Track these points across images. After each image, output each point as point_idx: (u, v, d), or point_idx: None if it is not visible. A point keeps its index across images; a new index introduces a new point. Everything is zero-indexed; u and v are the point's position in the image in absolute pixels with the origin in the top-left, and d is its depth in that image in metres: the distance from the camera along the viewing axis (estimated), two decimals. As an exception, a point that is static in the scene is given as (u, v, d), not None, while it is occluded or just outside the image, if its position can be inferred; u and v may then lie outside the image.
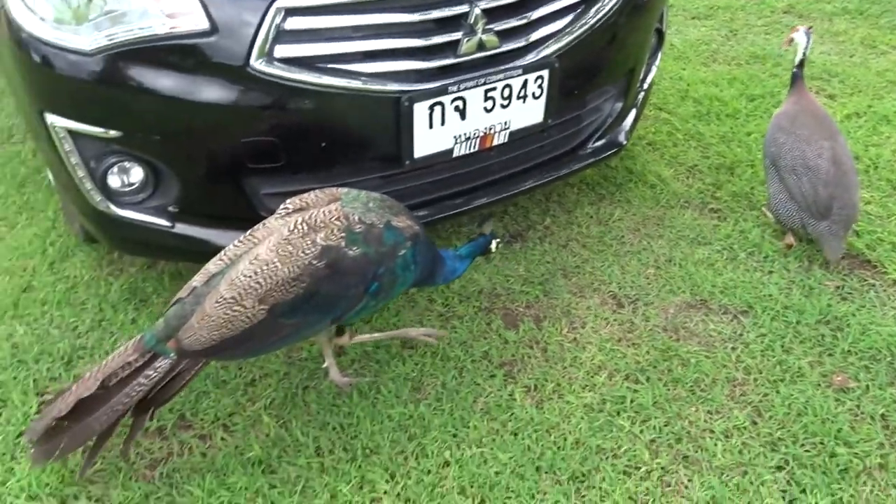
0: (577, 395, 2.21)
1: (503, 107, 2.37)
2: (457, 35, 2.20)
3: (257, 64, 2.02)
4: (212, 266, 1.86)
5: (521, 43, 2.31)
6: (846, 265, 2.70)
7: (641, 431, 2.10)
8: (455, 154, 2.37)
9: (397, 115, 2.18)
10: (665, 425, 2.12)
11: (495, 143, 2.43)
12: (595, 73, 2.63)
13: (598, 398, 2.20)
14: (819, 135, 2.61)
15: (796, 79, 2.73)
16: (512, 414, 2.15)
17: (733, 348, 2.37)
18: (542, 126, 2.50)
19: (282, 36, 2.04)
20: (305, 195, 1.94)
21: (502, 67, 2.29)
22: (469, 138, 2.36)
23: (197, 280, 1.85)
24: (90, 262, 2.73)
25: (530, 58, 2.33)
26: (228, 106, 2.05)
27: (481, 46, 2.24)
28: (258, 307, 1.75)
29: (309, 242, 1.78)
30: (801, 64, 2.72)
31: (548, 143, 2.66)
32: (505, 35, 2.28)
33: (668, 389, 2.23)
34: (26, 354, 2.33)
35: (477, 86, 2.27)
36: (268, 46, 2.02)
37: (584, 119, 2.76)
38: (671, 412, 2.15)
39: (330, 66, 2.10)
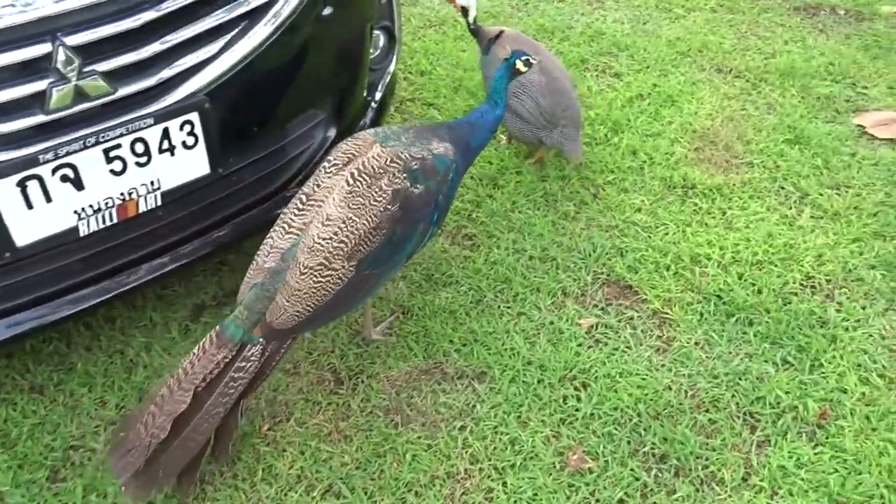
0: (258, 529, 1.78)
1: (141, 165, 1.84)
2: (40, 84, 1.64)
3: None
4: (280, 242, 1.79)
5: (145, 84, 1.78)
6: (605, 294, 2.37)
7: (327, 574, 1.69)
8: (84, 232, 1.83)
9: (-31, 198, 1.63)
10: (359, 560, 1.72)
11: (144, 208, 1.91)
12: (281, 102, 2.13)
13: (283, 530, 1.77)
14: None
15: (478, 32, 2.77)
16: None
17: (462, 428, 1.99)
18: (211, 178, 1.99)
19: None
20: (343, 147, 1.91)
21: (122, 120, 1.76)
22: (99, 210, 1.83)
23: (269, 260, 1.78)
24: None
25: (164, 102, 1.81)
26: None
27: (82, 96, 1.69)
28: (347, 266, 1.75)
29: (377, 190, 1.79)
30: (474, 19, 2.75)
31: (240, 189, 2.15)
32: (118, 77, 1.74)
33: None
34: None
35: (87, 147, 1.73)
36: None
37: (289, 151, 2.27)
38: (369, 538, 1.75)
39: None
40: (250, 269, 1.82)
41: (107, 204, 1.83)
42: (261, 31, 1.96)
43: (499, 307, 2.33)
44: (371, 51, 2.48)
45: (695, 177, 2.80)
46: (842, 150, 2.93)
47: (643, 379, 2.09)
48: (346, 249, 1.75)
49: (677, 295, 2.34)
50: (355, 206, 1.77)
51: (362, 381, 2.12)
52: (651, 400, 2.03)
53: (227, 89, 1.91)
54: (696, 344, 2.20)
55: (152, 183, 1.89)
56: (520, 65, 2.16)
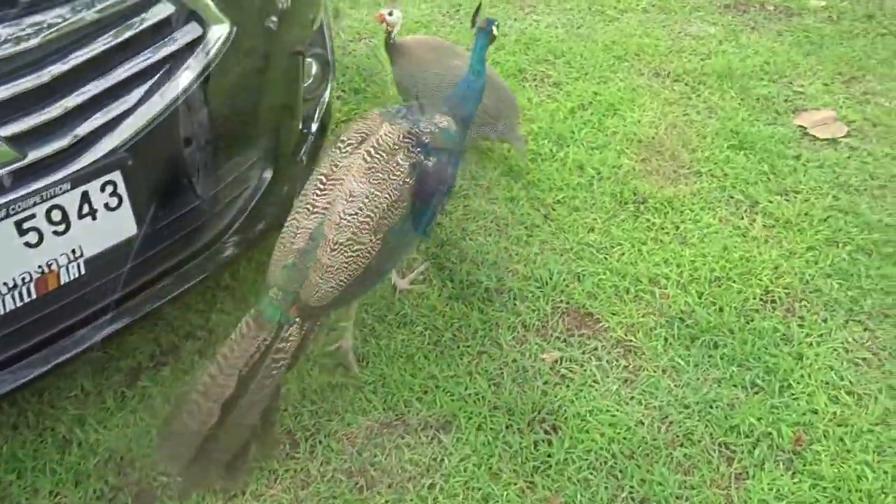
0: None
1: (59, 234, 1.66)
2: (-67, 157, 1.45)
3: None
4: (306, 222, 1.81)
5: (58, 145, 1.59)
6: (566, 324, 2.29)
7: None
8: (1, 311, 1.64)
9: None
10: None
11: (66, 279, 1.72)
12: (212, 148, 1.96)
13: None
14: (445, 60, 2.67)
15: (392, 47, 2.73)
16: None
17: (431, 487, 1.88)
18: (139, 237, 1.81)
19: None
20: (357, 127, 1.93)
21: (35, 188, 1.57)
22: (15, 287, 1.64)
23: (297, 241, 1.80)
24: None
25: (81, 163, 1.63)
26: None
27: (-16, 165, 1.50)
28: (374, 239, 1.79)
29: (395, 165, 1.83)
30: (394, 36, 2.73)
31: (173, 244, 1.97)
32: (27, 140, 1.55)
33: (343, 583, 1.70)
34: None
35: (-4, 221, 1.54)
36: None
37: (224, 197, 2.10)
38: None
39: None
40: (276, 250, 1.84)
41: (23, 280, 1.64)
42: (186, 75, 1.80)
43: (458, 347, 2.22)
44: (305, 79, 2.33)
45: (645, 190, 2.75)
46: (786, 153, 2.93)
47: (614, 416, 2.02)
48: (371, 223, 1.78)
49: (639, 320, 2.28)
50: (376, 182, 1.81)
51: (320, 442, 1.99)
52: (625, 439, 1.96)
53: (151, 141, 1.74)
54: (664, 372, 2.14)
55: (73, 252, 1.70)
56: (495, 31, 2.15)
